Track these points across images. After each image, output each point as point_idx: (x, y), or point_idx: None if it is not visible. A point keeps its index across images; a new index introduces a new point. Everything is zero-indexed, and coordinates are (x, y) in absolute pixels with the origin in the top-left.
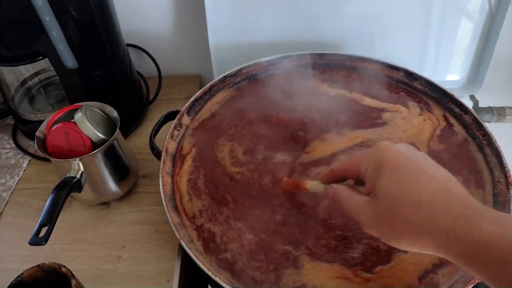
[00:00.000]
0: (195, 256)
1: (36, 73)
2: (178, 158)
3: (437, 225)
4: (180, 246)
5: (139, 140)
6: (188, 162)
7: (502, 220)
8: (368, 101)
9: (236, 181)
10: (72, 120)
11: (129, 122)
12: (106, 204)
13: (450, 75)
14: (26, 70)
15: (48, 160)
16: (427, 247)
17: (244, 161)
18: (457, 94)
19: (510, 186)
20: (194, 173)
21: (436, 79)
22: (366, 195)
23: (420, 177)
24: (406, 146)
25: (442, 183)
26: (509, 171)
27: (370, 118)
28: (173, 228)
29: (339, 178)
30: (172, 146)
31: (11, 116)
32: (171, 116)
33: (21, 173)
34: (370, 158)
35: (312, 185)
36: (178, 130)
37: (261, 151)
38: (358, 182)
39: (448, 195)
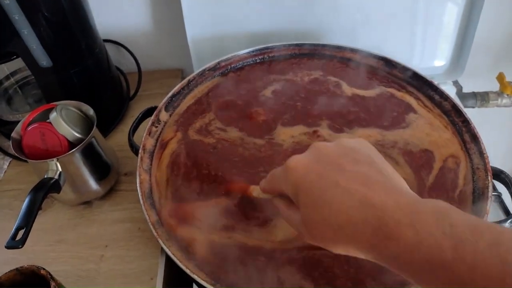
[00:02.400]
0: (173, 254)
1: (12, 73)
2: (158, 149)
3: (360, 242)
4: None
5: (120, 138)
6: (172, 145)
7: (419, 221)
8: (347, 89)
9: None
10: (47, 120)
11: (110, 119)
12: (88, 203)
13: (434, 61)
14: (1, 70)
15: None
16: (360, 255)
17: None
18: (440, 80)
19: (488, 173)
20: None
21: (421, 66)
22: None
23: (334, 194)
24: (314, 152)
25: (357, 193)
26: (487, 157)
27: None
28: (151, 226)
29: (277, 194)
30: (150, 142)
31: None
32: (149, 112)
33: (2, 174)
34: (286, 183)
35: (258, 192)
36: (156, 127)
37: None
38: None
39: (363, 209)
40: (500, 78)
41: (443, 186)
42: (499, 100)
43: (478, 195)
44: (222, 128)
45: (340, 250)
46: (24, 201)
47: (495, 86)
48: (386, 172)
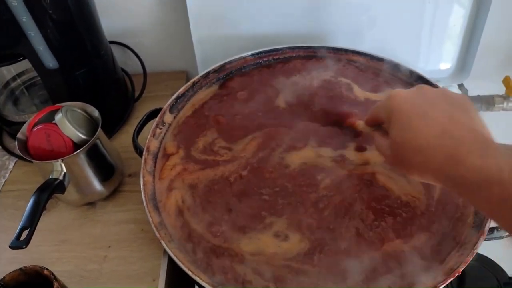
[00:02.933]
0: (175, 256)
1: (19, 74)
2: (161, 157)
3: (431, 165)
4: None
5: (124, 139)
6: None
7: (488, 154)
8: (357, 92)
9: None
10: (53, 122)
11: (115, 121)
12: (91, 204)
13: (440, 64)
14: (8, 71)
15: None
16: (430, 180)
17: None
18: (446, 83)
19: None
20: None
21: (427, 69)
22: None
23: (419, 123)
24: (418, 90)
25: (440, 125)
26: None
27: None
28: (153, 228)
29: (376, 124)
30: (154, 144)
31: None
32: (154, 114)
33: (7, 174)
34: (384, 109)
35: (362, 126)
36: (161, 129)
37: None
38: None
39: (441, 138)
40: (506, 81)
41: (450, 197)
42: (505, 103)
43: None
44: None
45: (415, 173)
46: (28, 201)
47: (501, 90)
48: (474, 120)
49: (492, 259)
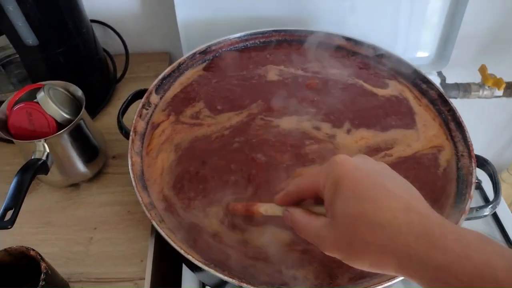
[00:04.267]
0: (167, 236)
1: None
2: (148, 131)
3: (399, 246)
4: (153, 226)
5: (107, 120)
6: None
7: (467, 239)
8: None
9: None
10: (34, 100)
11: (96, 102)
12: (75, 186)
13: (419, 52)
14: None
15: (13, 142)
16: (389, 268)
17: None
18: (425, 71)
19: (473, 160)
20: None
21: (406, 56)
22: (324, 216)
23: (379, 194)
24: (363, 159)
25: (402, 199)
26: (472, 145)
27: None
28: (144, 208)
29: (296, 200)
30: (140, 125)
31: None
32: (138, 94)
33: None
34: (327, 176)
35: (266, 208)
36: (147, 109)
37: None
38: (318, 201)
39: (408, 213)
40: (482, 70)
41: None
42: (481, 91)
43: (462, 181)
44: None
45: (368, 258)
46: (9, 182)
47: (477, 78)
48: (422, 198)
49: None
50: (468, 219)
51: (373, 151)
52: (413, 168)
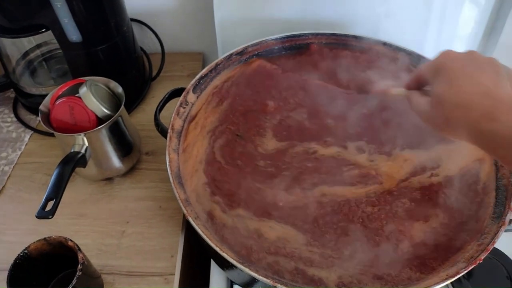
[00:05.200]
0: (203, 233)
1: (38, 46)
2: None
3: (468, 120)
4: (184, 222)
5: (141, 117)
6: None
7: None
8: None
9: None
10: (76, 95)
11: (132, 99)
12: (109, 180)
13: None
14: (28, 42)
15: (50, 135)
16: (462, 137)
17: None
18: None
19: None
20: None
21: None
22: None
23: (465, 82)
24: (469, 53)
25: (484, 86)
26: None
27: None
28: (180, 204)
29: (418, 85)
30: (178, 123)
31: (12, 89)
32: (176, 93)
33: (23, 147)
34: (433, 65)
35: (397, 91)
36: (184, 108)
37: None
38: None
39: (484, 97)
40: None
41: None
42: None
43: (502, 192)
44: None
45: (449, 129)
46: (46, 174)
47: None
48: None
49: (502, 250)
50: (507, 230)
51: (419, 171)
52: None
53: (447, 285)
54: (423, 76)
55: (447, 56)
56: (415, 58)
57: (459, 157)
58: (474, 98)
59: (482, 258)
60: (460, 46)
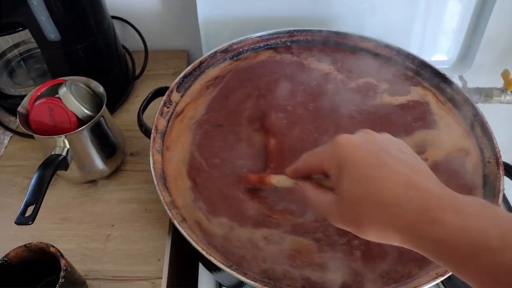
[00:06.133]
0: (189, 236)
1: (16, 45)
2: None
3: (401, 222)
4: (171, 224)
5: (125, 117)
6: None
7: (465, 211)
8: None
9: None
10: (56, 96)
11: (115, 99)
12: (93, 182)
13: (437, 55)
14: (4, 41)
15: (31, 137)
16: (394, 241)
17: None
18: (447, 74)
19: (500, 166)
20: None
21: (428, 59)
22: (332, 192)
23: (380, 173)
24: (365, 135)
25: (403, 175)
26: (499, 151)
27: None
28: (165, 207)
29: (305, 174)
30: (161, 123)
31: None
32: (159, 92)
33: (3, 150)
34: (331, 157)
35: (278, 180)
36: (168, 107)
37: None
38: (326, 175)
39: (409, 189)
40: (505, 75)
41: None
42: (503, 96)
43: (490, 188)
44: None
45: (373, 233)
46: (26, 177)
47: (499, 83)
48: (426, 167)
49: None
50: None
51: None
52: (446, 172)
53: (437, 284)
54: (321, 168)
55: (346, 145)
56: (401, 55)
57: (443, 142)
58: (400, 194)
59: None
60: (445, 42)
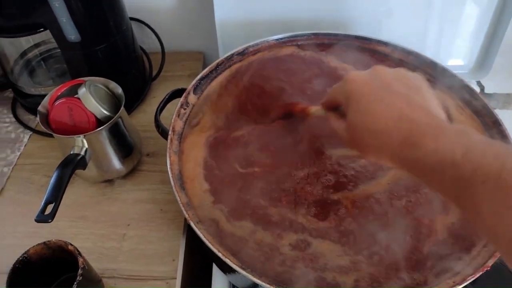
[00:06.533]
0: (205, 237)
1: (36, 45)
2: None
3: (389, 147)
4: (186, 225)
5: (142, 118)
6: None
7: (443, 135)
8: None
9: None
10: (75, 96)
11: (132, 99)
12: (109, 181)
13: (459, 60)
14: (26, 41)
15: (50, 136)
16: (386, 162)
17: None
18: (465, 80)
19: None
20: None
21: (445, 64)
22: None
23: (377, 108)
24: (372, 72)
25: (398, 109)
26: None
27: None
28: (182, 208)
29: (332, 107)
30: (178, 124)
31: (10, 89)
32: (176, 94)
33: (22, 148)
34: (342, 91)
35: (315, 110)
36: (185, 109)
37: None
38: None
39: (399, 122)
40: None
41: None
42: None
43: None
44: None
45: (371, 155)
46: (45, 175)
47: None
48: (429, 102)
49: None
50: None
51: None
52: None
53: None
54: (336, 100)
55: (353, 82)
56: (420, 59)
57: None
58: (390, 125)
59: (490, 264)
60: (462, 46)
